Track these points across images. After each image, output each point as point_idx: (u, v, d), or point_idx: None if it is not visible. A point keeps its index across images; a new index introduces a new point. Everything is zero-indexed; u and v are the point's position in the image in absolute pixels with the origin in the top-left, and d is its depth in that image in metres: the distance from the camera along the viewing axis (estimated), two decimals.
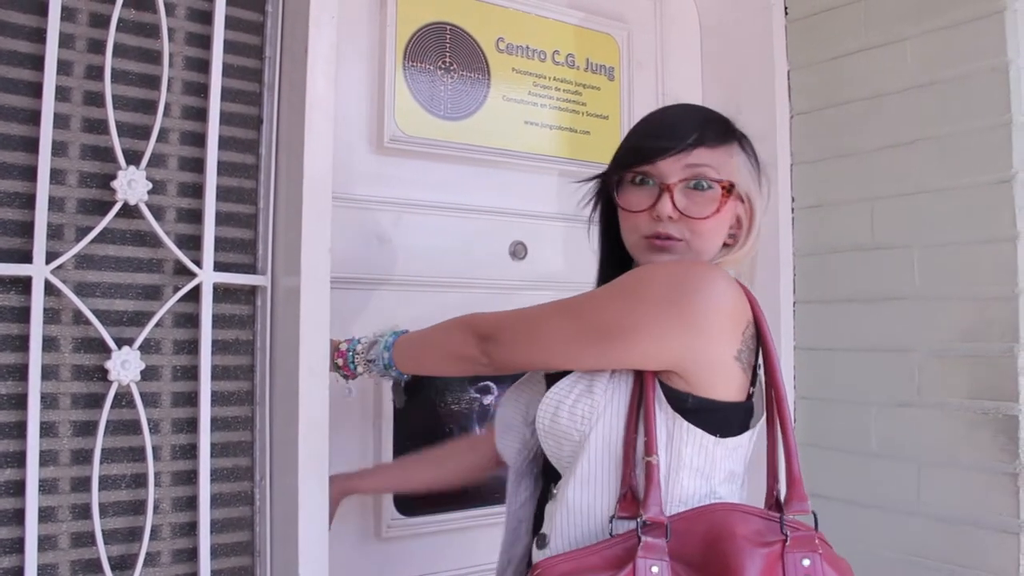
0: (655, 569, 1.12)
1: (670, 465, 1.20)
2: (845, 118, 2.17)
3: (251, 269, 1.61)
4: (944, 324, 1.95)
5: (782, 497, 1.20)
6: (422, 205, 2.03)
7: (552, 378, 1.30)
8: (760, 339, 1.24)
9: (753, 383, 1.25)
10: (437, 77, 2.07)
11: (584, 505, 1.23)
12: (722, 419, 1.21)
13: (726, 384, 1.21)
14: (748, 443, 1.26)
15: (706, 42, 2.47)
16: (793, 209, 2.26)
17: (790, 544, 1.13)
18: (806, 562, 1.14)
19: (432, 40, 2.07)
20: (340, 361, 1.56)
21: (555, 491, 1.28)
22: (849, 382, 2.13)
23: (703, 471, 1.21)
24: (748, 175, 1.32)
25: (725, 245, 1.33)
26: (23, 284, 1.40)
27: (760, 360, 1.26)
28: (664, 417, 1.20)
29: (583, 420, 1.23)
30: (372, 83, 1.99)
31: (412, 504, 1.93)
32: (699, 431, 1.19)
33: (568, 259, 2.19)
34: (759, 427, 1.26)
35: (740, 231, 1.33)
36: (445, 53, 2.08)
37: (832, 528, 2.06)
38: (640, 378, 1.22)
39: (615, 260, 1.41)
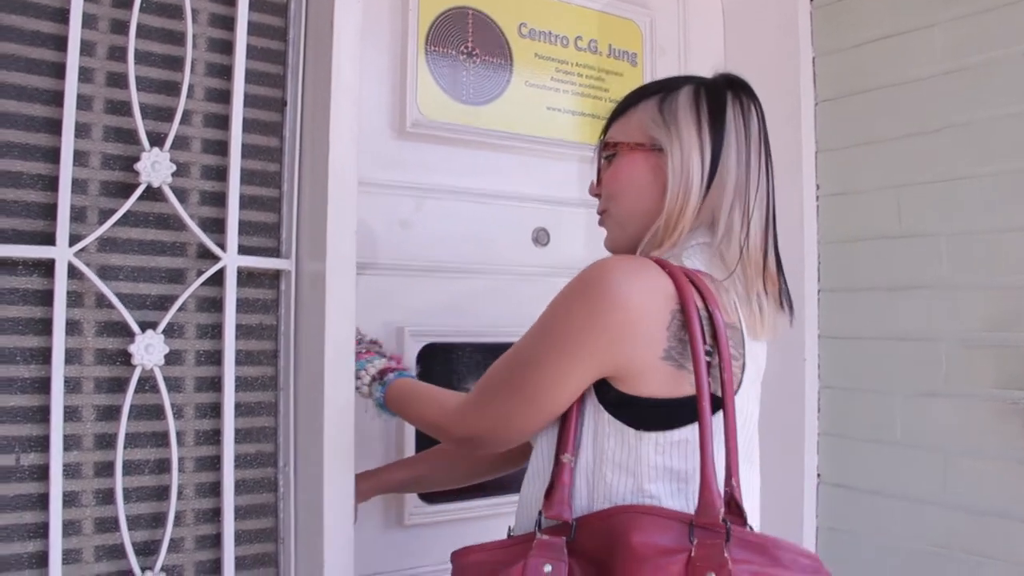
0: (547, 568, 1.10)
1: (595, 459, 1.14)
2: (871, 105, 2.14)
3: (275, 253, 1.59)
4: (972, 313, 1.92)
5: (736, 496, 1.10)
6: (444, 191, 2.01)
7: None
8: (686, 328, 1.11)
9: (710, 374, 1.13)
10: (459, 62, 2.05)
11: (528, 500, 1.23)
12: (647, 414, 1.12)
13: (652, 383, 1.11)
14: (687, 441, 1.12)
15: (729, 28, 2.44)
16: (818, 197, 2.24)
17: (695, 555, 1.03)
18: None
19: (454, 25, 2.04)
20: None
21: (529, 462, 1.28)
22: (874, 371, 2.11)
23: (626, 466, 1.12)
24: (655, 125, 1.25)
25: None
26: (46, 267, 1.39)
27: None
28: (592, 410, 1.15)
29: None
30: (394, 68, 1.97)
31: (434, 492, 1.91)
32: (620, 424, 1.12)
33: (591, 246, 2.16)
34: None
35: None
36: (467, 38, 2.06)
37: (857, 519, 2.06)
38: None
39: None
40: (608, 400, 1.13)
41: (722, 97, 1.26)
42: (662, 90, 1.29)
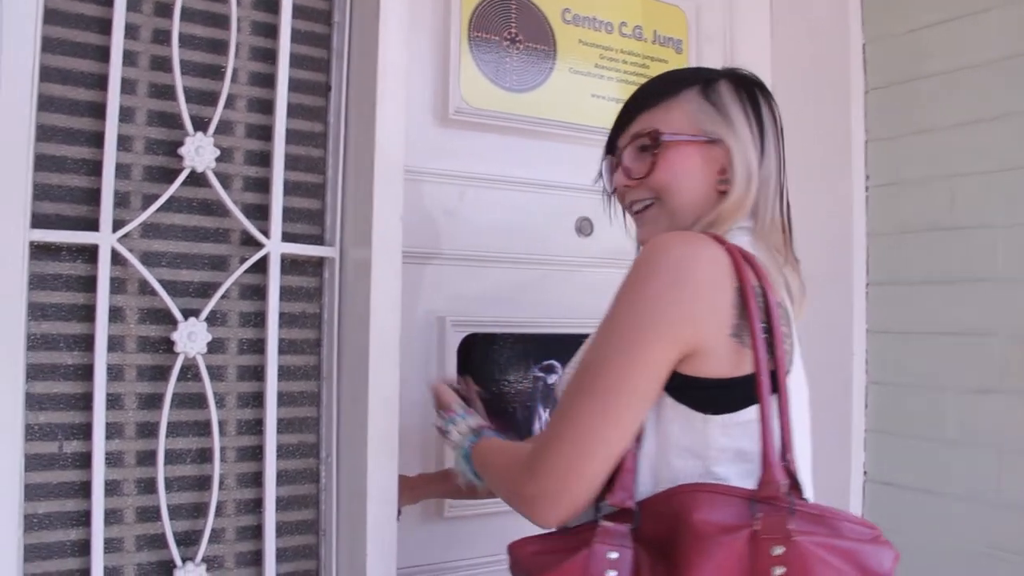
0: (613, 555, 1.07)
1: (659, 446, 1.12)
2: (923, 93, 2.09)
3: (319, 240, 1.56)
4: None
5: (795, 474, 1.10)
6: (487, 179, 1.98)
7: None
8: (745, 304, 1.10)
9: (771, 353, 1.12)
10: (503, 48, 2.01)
11: None
12: (712, 396, 1.10)
13: (718, 362, 1.10)
14: (753, 420, 1.11)
15: (777, 14, 2.39)
16: (867, 188, 2.19)
17: (759, 528, 1.03)
18: (777, 550, 1.02)
19: (497, 11, 2.01)
20: (441, 423, 1.42)
21: None
22: (924, 367, 2.06)
23: (693, 450, 1.10)
24: (708, 116, 1.26)
25: (722, 193, 1.24)
26: (89, 253, 1.37)
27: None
28: None
29: None
30: (437, 54, 1.94)
31: None
32: (685, 408, 1.10)
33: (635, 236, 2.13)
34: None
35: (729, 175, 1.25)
36: (511, 24, 2.03)
37: (906, 518, 2.01)
38: None
39: None
40: (670, 385, 1.10)
41: (752, 89, 1.30)
42: (697, 81, 1.29)
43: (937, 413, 2.01)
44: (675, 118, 1.26)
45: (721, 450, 1.10)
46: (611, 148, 1.35)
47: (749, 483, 1.09)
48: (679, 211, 1.25)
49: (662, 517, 1.07)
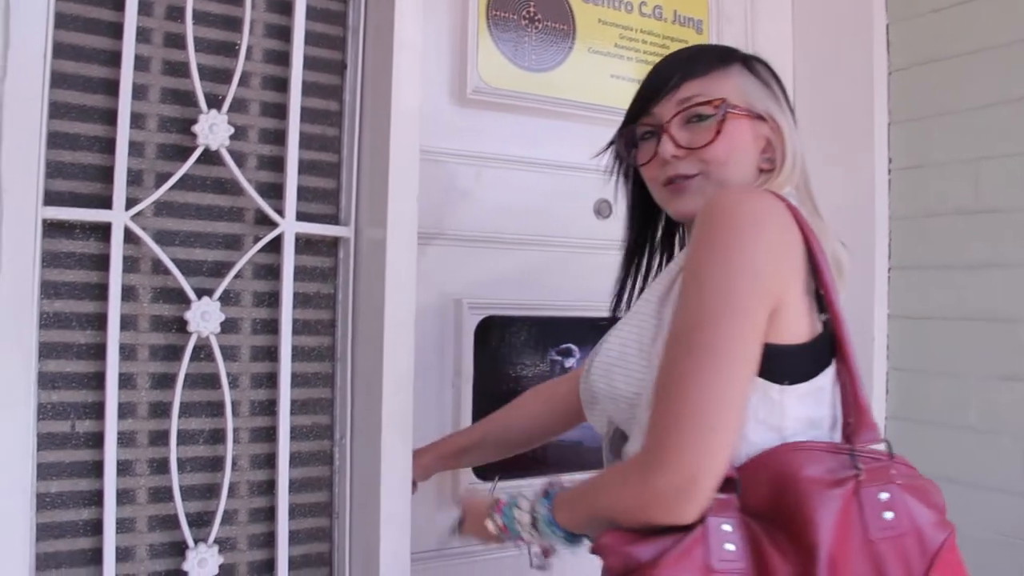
0: (726, 527, 1.03)
1: None
2: (948, 73, 2.05)
3: (334, 220, 1.55)
4: None
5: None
6: (505, 160, 1.96)
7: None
8: (811, 257, 1.11)
9: (821, 310, 1.13)
10: (521, 28, 1.99)
11: None
12: (788, 365, 1.09)
13: (795, 324, 1.09)
14: (830, 383, 1.13)
15: None
16: (890, 171, 2.15)
17: (864, 478, 1.04)
18: (883, 496, 1.05)
19: None
20: (499, 521, 1.28)
21: (624, 457, 1.20)
22: (947, 353, 2.03)
23: (770, 423, 1.09)
24: (759, 93, 1.26)
25: (763, 171, 1.25)
26: (102, 231, 1.36)
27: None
28: None
29: (638, 382, 1.15)
30: (455, 33, 1.92)
31: (490, 468, 1.87)
32: (762, 381, 1.07)
33: None
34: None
35: (774, 153, 1.25)
36: (529, 3, 2.00)
37: None
38: None
39: (644, 222, 1.41)
40: None
41: (775, 72, 1.31)
42: (738, 56, 1.29)
43: (959, 400, 1.98)
44: (727, 90, 1.23)
45: (795, 419, 1.10)
46: (637, 118, 1.29)
47: None
48: (727, 184, 1.22)
49: (763, 482, 1.04)
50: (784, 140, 1.24)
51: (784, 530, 1.02)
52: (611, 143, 1.37)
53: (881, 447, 1.10)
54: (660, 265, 1.41)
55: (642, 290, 1.39)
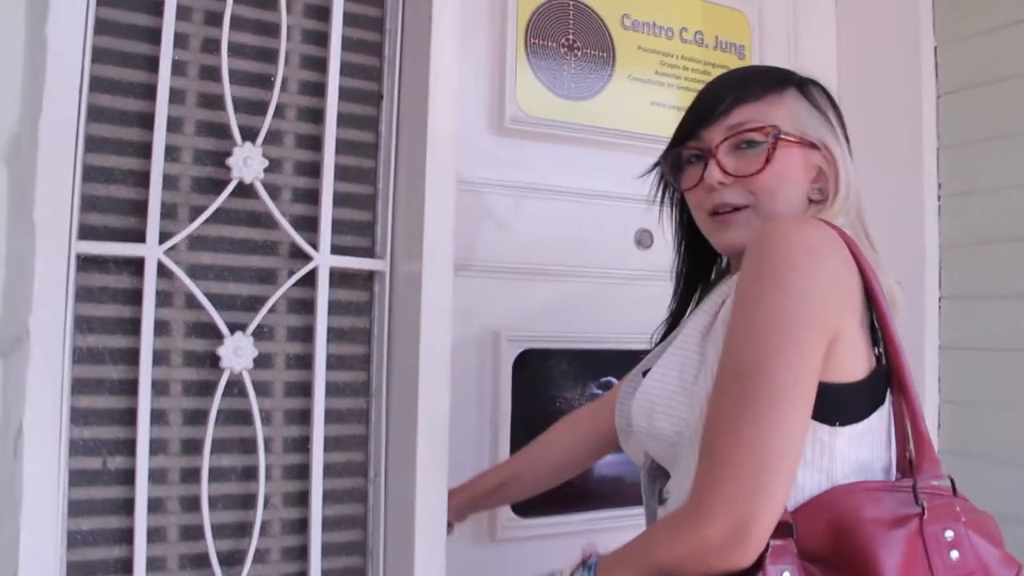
0: (787, 575, 0.98)
1: None
2: (1000, 96, 1.99)
3: (369, 253, 1.52)
4: None
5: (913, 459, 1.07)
6: (543, 189, 1.93)
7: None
8: (867, 289, 1.08)
9: (875, 344, 1.09)
10: (560, 55, 1.97)
11: None
12: (841, 404, 1.05)
13: (850, 360, 1.05)
14: (885, 422, 1.09)
15: (842, 17, 2.31)
16: (939, 197, 2.09)
17: (928, 517, 0.99)
18: (949, 534, 1.00)
19: (555, 16, 1.97)
20: None
21: (665, 495, 1.16)
22: (1002, 385, 1.96)
23: (819, 465, 1.04)
24: (813, 120, 1.20)
25: (813, 202, 1.20)
26: (135, 265, 1.35)
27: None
28: None
29: (681, 421, 1.10)
30: (492, 62, 1.90)
31: (528, 505, 1.83)
32: (812, 421, 1.02)
33: None
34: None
35: (826, 183, 1.20)
36: (568, 30, 1.98)
37: None
38: None
39: (693, 249, 1.37)
40: None
41: (831, 97, 1.26)
42: (792, 80, 1.24)
43: (1016, 434, 1.91)
44: (781, 116, 1.19)
45: (845, 461, 1.05)
46: (684, 140, 1.24)
47: None
48: (774, 217, 1.17)
49: (822, 525, 1.00)
50: (838, 170, 1.19)
51: (846, 574, 0.98)
52: (656, 165, 1.34)
53: (944, 482, 1.06)
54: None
55: None
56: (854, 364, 1.05)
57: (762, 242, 1.04)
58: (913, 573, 0.97)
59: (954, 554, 1.00)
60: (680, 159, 1.26)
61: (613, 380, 1.96)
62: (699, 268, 1.39)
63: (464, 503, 1.57)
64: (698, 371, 1.10)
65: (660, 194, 1.37)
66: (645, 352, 1.34)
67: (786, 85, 1.22)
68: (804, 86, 1.24)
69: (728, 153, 1.19)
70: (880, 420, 1.08)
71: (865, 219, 1.21)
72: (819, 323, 1.01)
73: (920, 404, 1.08)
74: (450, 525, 1.50)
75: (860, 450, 1.07)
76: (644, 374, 1.21)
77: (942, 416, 2.06)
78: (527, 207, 1.90)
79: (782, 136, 1.16)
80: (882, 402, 1.08)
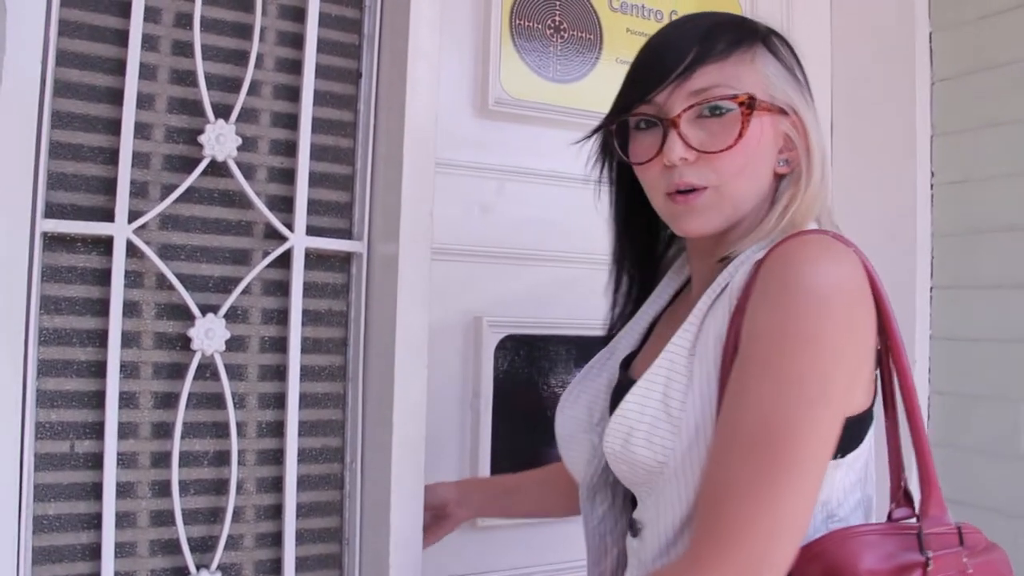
0: None
1: None
2: (996, 84, 1.95)
3: (346, 234, 1.49)
4: None
5: (910, 489, 1.01)
6: (527, 173, 1.89)
7: (619, 387, 1.10)
8: (881, 313, 0.98)
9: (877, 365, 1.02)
10: (546, 37, 1.93)
11: (685, 547, 0.99)
12: (848, 436, 0.96)
13: (862, 393, 0.98)
14: (868, 446, 1.02)
15: (837, 1, 2.27)
16: (932, 185, 2.06)
17: (932, 569, 0.92)
18: None
19: None
20: None
21: (639, 525, 1.05)
22: (993, 377, 1.92)
23: (822, 500, 0.97)
24: (783, 81, 1.04)
25: (779, 176, 1.06)
26: (104, 245, 1.31)
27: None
28: None
29: (665, 451, 0.98)
30: (476, 43, 1.86)
31: None
32: None
33: None
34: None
35: (793, 153, 1.05)
36: (555, 12, 1.94)
37: None
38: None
39: (636, 230, 1.25)
40: None
41: (794, 51, 1.10)
42: (759, 36, 1.06)
43: (1007, 427, 1.88)
44: (752, 78, 1.02)
45: (842, 490, 0.99)
46: (634, 105, 1.05)
47: (860, 515, 1.01)
48: (741, 199, 1.04)
49: (816, 571, 0.93)
50: (808, 137, 1.04)
51: None
52: (596, 131, 1.17)
53: (951, 529, 0.99)
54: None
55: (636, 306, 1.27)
56: (864, 395, 0.98)
57: (789, 277, 0.93)
58: None
59: None
60: (627, 127, 1.09)
61: None
62: (648, 251, 1.27)
63: (482, 503, 1.49)
64: (685, 394, 0.98)
65: (601, 169, 1.22)
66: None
67: (754, 39, 1.05)
68: (770, 40, 1.07)
69: (691, 123, 1.01)
70: (873, 437, 1.02)
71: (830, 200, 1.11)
72: (845, 370, 0.93)
73: (928, 444, 1.01)
74: (447, 522, 1.46)
75: (854, 473, 1.00)
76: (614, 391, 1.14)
77: (931, 407, 2.03)
78: (511, 190, 1.87)
79: (757, 105, 1.00)
80: (872, 419, 1.01)
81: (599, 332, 1.91)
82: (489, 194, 1.85)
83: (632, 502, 1.11)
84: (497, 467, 1.78)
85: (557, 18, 1.94)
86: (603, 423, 1.11)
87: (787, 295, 0.92)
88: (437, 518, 1.49)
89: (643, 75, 1.05)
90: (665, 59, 1.02)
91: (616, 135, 1.10)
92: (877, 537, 0.94)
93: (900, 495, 1.02)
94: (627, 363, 1.20)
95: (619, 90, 1.10)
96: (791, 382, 0.90)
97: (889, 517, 1.02)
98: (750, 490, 0.89)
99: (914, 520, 1.00)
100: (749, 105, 1.00)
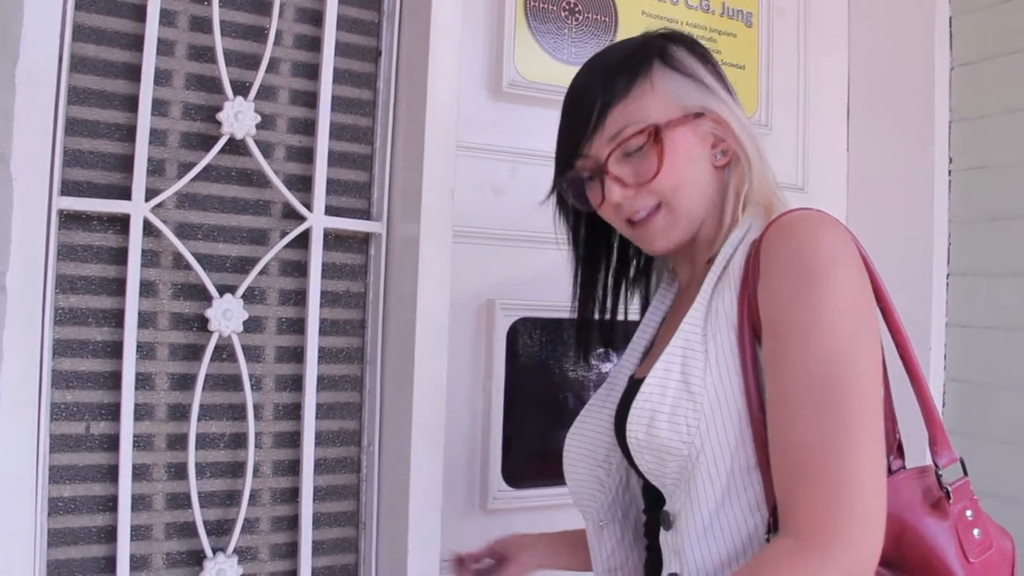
0: None
1: None
2: (1015, 69, 1.93)
3: (365, 215, 1.47)
4: None
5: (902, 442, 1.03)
6: (541, 155, 1.85)
7: (637, 382, 1.08)
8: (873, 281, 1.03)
9: None
10: (561, 19, 1.90)
11: (721, 528, 1.00)
12: None
13: None
14: (923, 391, 1.06)
15: None
16: (951, 171, 2.04)
17: (953, 500, 0.97)
18: (969, 514, 0.98)
19: None
20: None
21: (671, 518, 1.04)
22: (1010, 364, 1.91)
23: None
24: (687, 89, 1.09)
25: (720, 167, 1.11)
26: (121, 223, 1.30)
27: None
28: None
29: (689, 430, 0.99)
30: (491, 25, 1.83)
31: (520, 475, 1.79)
32: None
33: None
34: None
35: (726, 144, 1.10)
36: None
37: None
38: (748, 359, 0.99)
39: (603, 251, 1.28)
40: None
41: (695, 46, 1.14)
42: (652, 53, 1.11)
43: (1022, 415, 1.88)
44: (655, 102, 1.08)
45: None
46: (572, 160, 1.13)
47: None
48: (691, 208, 1.09)
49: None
50: (731, 128, 1.09)
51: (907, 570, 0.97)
52: (553, 190, 1.24)
53: (956, 464, 1.02)
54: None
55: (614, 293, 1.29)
56: None
57: (796, 245, 0.97)
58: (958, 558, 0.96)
59: (976, 532, 0.98)
60: (578, 180, 1.15)
61: (610, 350, 1.91)
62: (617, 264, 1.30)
63: (558, 549, 1.39)
64: (704, 370, 1.01)
65: (563, 214, 1.27)
66: (637, 324, 1.28)
67: (648, 63, 1.10)
68: (666, 53, 1.11)
69: (619, 162, 1.08)
70: None
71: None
72: (873, 319, 0.97)
73: (925, 382, 1.05)
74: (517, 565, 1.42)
75: None
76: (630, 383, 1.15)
77: (947, 395, 2.02)
78: (524, 173, 1.84)
79: (663, 130, 1.06)
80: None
81: (569, 314, 1.89)
82: (502, 177, 1.82)
83: (645, 533, 1.14)
84: (508, 450, 1.77)
85: (572, 0, 1.92)
86: (610, 457, 1.15)
87: (801, 259, 0.96)
88: (502, 563, 1.44)
89: (566, 131, 1.14)
90: (579, 113, 1.10)
91: (573, 192, 1.17)
92: (907, 480, 0.98)
93: (895, 448, 1.02)
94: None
95: (556, 146, 1.18)
96: (837, 334, 0.93)
97: (889, 470, 1.03)
98: (837, 448, 0.91)
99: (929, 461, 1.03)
100: (656, 134, 1.06)
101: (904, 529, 0.95)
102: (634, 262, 1.29)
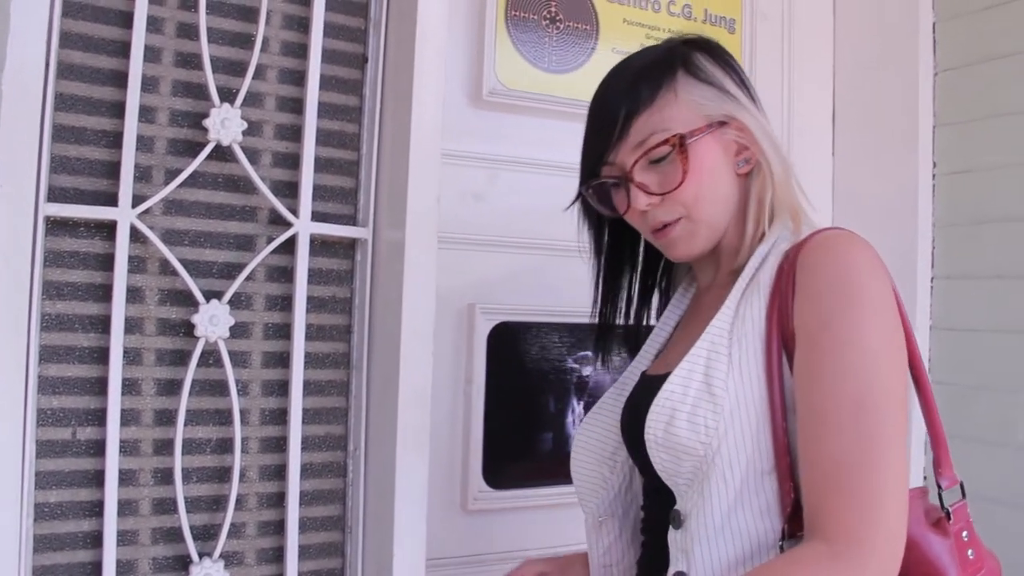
0: None
1: None
2: (999, 74, 1.96)
3: (351, 220, 1.48)
4: None
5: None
6: (521, 163, 1.88)
7: (652, 379, 1.11)
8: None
9: None
10: (542, 28, 1.92)
11: (732, 531, 1.02)
12: None
13: None
14: (930, 406, 1.12)
15: None
16: (934, 175, 2.07)
17: (953, 520, 1.01)
18: (965, 535, 1.02)
19: None
20: None
21: (682, 517, 1.06)
22: (994, 367, 1.93)
23: None
24: (711, 97, 1.11)
25: (743, 175, 1.13)
26: (108, 229, 1.30)
27: None
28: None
29: (708, 431, 1.01)
30: (471, 33, 1.84)
31: (501, 476, 1.80)
32: None
33: None
34: None
35: (749, 152, 1.12)
36: (551, 2, 1.93)
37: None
38: (775, 367, 1.01)
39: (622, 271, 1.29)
40: None
41: (721, 52, 1.16)
42: (675, 62, 1.13)
43: (1007, 417, 1.89)
44: (678, 112, 1.10)
45: None
46: (598, 168, 1.15)
47: None
48: (713, 217, 1.11)
49: None
50: (755, 136, 1.11)
51: None
52: (579, 196, 1.24)
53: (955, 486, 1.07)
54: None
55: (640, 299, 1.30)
56: None
57: (832, 263, 1.00)
58: None
59: (970, 553, 1.02)
60: (604, 188, 1.17)
61: (590, 355, 1.92)
62: (642, 268, 1.32)
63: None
64: (727, 373, 1.03)
65: (590, 226, 1.29)
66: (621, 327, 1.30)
67: (673, 72, 1.12)
68: (689, 62, 1.13)
69: (645, 170, 1.10)
70: None
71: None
72: (901, 338, 1.00)
73: (935, 406, 1.10)
74: None
75: None
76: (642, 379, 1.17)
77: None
78: (504, 179, 1.86)
79: (688, 140, 1.08)
80: None
81: (590, 319, 1.91)
82: (483, 183, 1.83)
83: (643, 530, 1.17)
84: (489, 453, 1.78)
85: (553, 9, 1.94)
86: (616, 455, 1.18)
87: (840, 278, 0.99)
88: None
89: (591, 139, 1.16)
90: (604, 121, 1.12)
91: (599, 199, 1.19)
92: (914, 499, 0.99)
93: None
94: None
95: (581, 152, 1.19)
96: (873, 352, 0.96)
97: None
98: (869, 460, 0.94)
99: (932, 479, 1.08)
100: (681, 144, 1.08)
101: (911, 546, 0.96)
102: (658, 266, 1.30)
